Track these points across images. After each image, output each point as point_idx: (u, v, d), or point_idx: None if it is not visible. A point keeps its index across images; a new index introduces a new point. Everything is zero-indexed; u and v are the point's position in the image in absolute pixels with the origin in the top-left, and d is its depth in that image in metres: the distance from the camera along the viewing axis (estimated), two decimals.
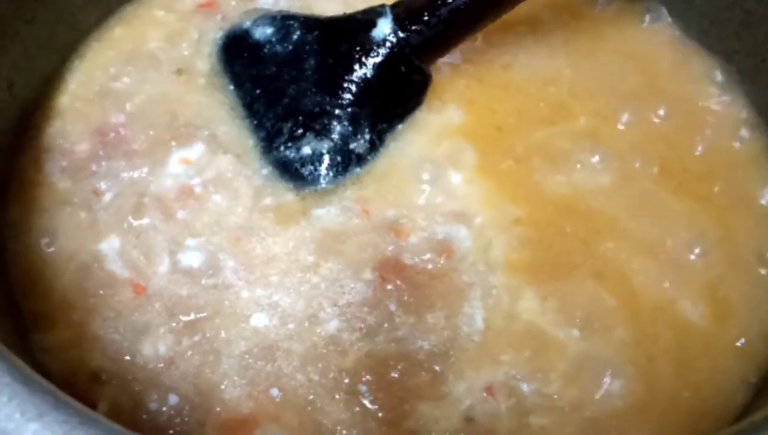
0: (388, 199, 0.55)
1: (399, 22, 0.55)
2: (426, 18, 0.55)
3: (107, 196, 0.55)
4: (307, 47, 0.58)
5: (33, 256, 0.53)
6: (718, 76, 0.62)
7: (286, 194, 0.55)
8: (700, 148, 0.59)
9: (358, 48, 0.56)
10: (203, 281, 0.51)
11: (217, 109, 0.59)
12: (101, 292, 0.51)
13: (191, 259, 0.52)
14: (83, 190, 0.55)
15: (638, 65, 0.63)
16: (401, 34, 0.55)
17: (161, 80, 0.60)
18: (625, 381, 0.49)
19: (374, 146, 0.57)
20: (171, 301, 0.51)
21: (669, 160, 0.58)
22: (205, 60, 0.61)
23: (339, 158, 0.56)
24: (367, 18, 0.57)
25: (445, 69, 0.61)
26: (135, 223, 0.54)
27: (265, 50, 0.59)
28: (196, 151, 0.57)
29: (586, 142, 0.58)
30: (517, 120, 0.59)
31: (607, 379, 0.49)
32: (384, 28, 0.55)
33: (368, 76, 0.56)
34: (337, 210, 0.54)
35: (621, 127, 0.59)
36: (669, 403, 0.49)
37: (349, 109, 0.56)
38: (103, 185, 0.55)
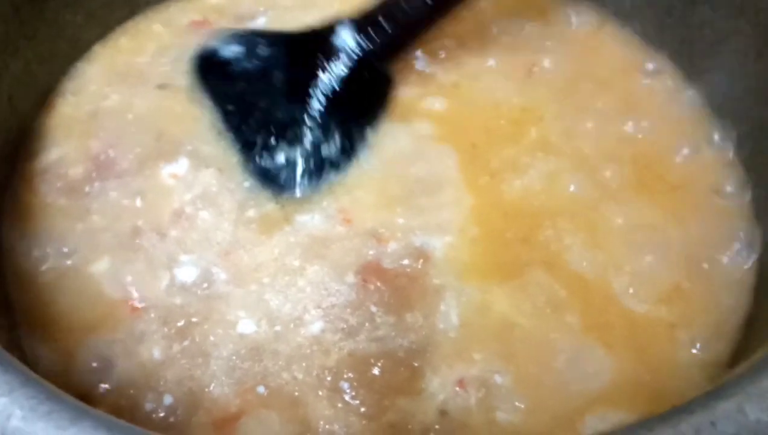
0: (368, 209, 0.58)
1: (359, 30, 0.59)
2: (383, 24, 0.59)
3: (102, 218, 0.57)
4: (275, 61, 0.62)
5: (29, 277, 0.55)
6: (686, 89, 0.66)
7: (267, 204, 0.58)
8: (641, 130, 0.63)
9: (322, 58, 0.60)
10: (198, 293, 0.53)
11: (198, 124, 0.62)
12: (98, 309, 0.53)
13: (186, 274, 0.54)
14: (78, 210, 0.57)
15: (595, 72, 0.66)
16: (362, 42, 0.59)
17: (146, 95, 0.63)
18: (588, 367, 0.51)
19: (347, 153, 0.60)
20: (165, 311, 0.53)
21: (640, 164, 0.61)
22: (184, 76, 0.64)
23: (312, 165, 0.59)
24: (329, 29, 0.61)
25: (414, 87, 0.64)
26: (130, 243, 0.56)
27: (235, 67, 0.63)
28: (182, 166, 0.59)
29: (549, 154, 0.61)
30: (486, 137, 0.62)
31: (572, 366, 0.51)
32: (345, 37, 0.60)
33: (334, 84, 0.60)
34: (320, 217, 0.57)
35: (584, 137, 0.63)
36: (633, 387, 0.51)
37: (318, 118, 0.60)
38: (96, 205, 0.57)
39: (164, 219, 0.57)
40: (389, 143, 0.61)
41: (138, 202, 0.57)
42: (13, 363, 0.37)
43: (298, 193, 0.58)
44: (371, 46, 0.59)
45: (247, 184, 0.59)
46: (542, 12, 0.71)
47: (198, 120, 0.62)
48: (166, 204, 0.57)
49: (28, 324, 0.53)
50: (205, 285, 0.54)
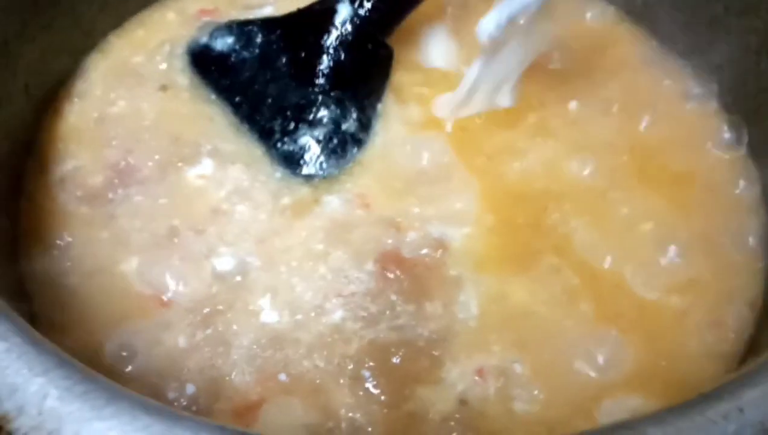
0: (385, 196, 0.58)
1: (356, 4, 0.59)
2: None
3: (129, 221, 0.56)
4: (274, 46, 0.62)
5: (51, 283, 0.54)
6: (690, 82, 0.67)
7: (301, 189, 0.58)
8: (647, 123, 0.63)
9: (325, 36, 0.60)
10: (230, 282, 0.54)
11: (211, 122, 0.61)
12: (126, 305, 0.53)
13: (224, 264, 0.54)
14: (102, 216, 0.57)
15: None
16: (362, 14, 0.59)
17: (150, 98, 0.62)
18: (604, 355, 0.52)
19: (363, 126, 0.60)
20: (194, 303, 0.53)
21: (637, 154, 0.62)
22: (184, 75, 0.64)
23: (336, 141, 0.59)
24: (326, 7, 0.61)
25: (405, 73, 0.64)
26: (166, 242, 0.55)
27: (233, 59, 0.63)
28: (207, 166, 0.59)
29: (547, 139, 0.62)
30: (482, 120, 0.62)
31: (588, 354, 0.52)
32: (344, 12, 0.60)
33: (341, 59, 0.60)
34: (340, 201, 0.58)
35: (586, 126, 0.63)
36: (649, 374, 0.52)
37: (332, 94, 0.60)
38: (120, 211, 0.56)
39: (201, 217, 0.56)
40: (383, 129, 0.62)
41: (169, 204, 0.57)
42: (47, 344, 0.37)
43: (325, 172, 0.58)
44: (372, 19, 0.60)
45: (278, 174, 0.59)
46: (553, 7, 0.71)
47: (210, 118, 0.62)
48: (202, 203, 0.57)
49: (50, 328, 0.52)
50: (239, 275, 0.54)
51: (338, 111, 0.60)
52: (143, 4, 0.68)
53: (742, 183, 0.61)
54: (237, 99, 0.61)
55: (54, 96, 0.62)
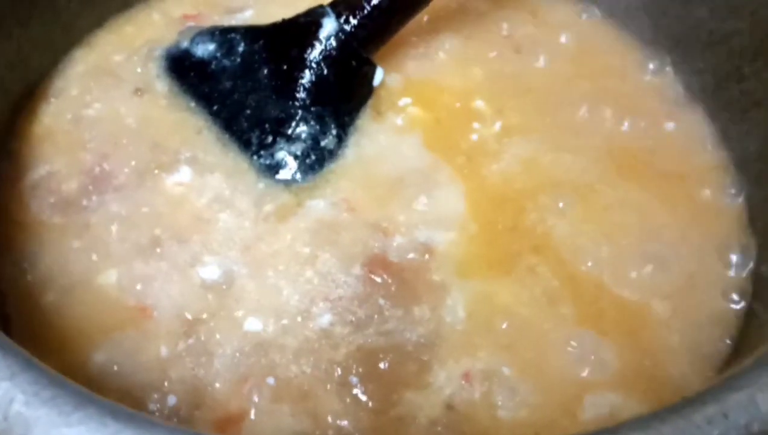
0: (369, 200, 0.58)
1: (342, 20, 0.58)
2: (367, 11, 0.58)
3: (105, 231, 0.55)
4: (256, 56, 0.61)
5: (29, 298, 0.52)
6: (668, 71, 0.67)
7: (282, 194, 0.58)
8: (629, 125, 0.64)
9: (309, 50, 0.59)
10: (216, 290, 0.53)
11: (190, 129, 0.61)
12: (108, 318, 0.52)
13: (209, 273, 0.53)
14: (76, 226, 0.55)
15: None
16: (347, 30, 0.58)
17: (127, 102, 0.61)
18: (588, 356, 0.52)
19: (341, 140, 0.60)
20: (179, 311, 0.52)
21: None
22: (162, 80, 0.63)
23: (314, 157, 0.59)
24: (311, 20, 0.60)
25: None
26: (148, 251, 0.54)
27: (213, 66, 0.61)
28: (185, 174, 0.58)
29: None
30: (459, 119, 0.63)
31: (572, 356, 0.52)
32: (329, 27, 0.59)
33: (324, 74, 0.59)
34: (326, 204, 0.57)
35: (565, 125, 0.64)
36: (634, 373, 0.52)
37: (313, 109, 0.59)
38: (95, 219, 0.55)
39: (184, 226, 0.56)
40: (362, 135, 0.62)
41: (150, 213, 0.56)
42: (13, 347, 0.36)
43: (302, 180, 0.58)
44: (357, 36, 0.59)
45: (261, 184, 0.58)
46: (534, 11, 0.72)
47: (188, 125, 0.61)
48: (183, 211, 0.56)
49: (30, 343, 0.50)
50: (225, 283, 0.53)
51: (318, 127, 0.59)
52: (125, 4, 0.67)
53: (725, 186, 0.61)
54: (215, 107, 0.60)
55: (31, 94, 0.60)
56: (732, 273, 0.57)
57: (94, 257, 0.54)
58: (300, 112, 0.59)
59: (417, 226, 0.57)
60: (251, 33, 0.62)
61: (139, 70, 0.63)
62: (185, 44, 0.63)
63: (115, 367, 0.49)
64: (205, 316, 0.52)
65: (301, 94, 0.59)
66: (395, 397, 0.50)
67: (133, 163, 0.58)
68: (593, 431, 0.37)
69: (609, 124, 0.64)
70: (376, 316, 0.52)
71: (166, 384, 0.49)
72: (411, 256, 0.55)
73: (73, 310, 0.52)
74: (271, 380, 0.50)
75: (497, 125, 0.63)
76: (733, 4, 0.61)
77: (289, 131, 0.59)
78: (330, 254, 0.55)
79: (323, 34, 0.59)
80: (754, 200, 0.60)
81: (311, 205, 0.57)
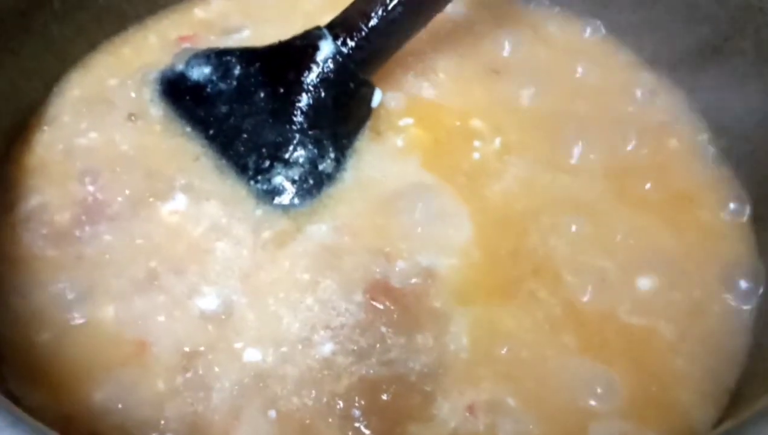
0: (371, 224, 0.57)
1: (340, 42, 0.57)
2: (364, 33, 0.57)
3: (99, 263, 0.54)
4: (253, 79, 0.60)
5: (23, 336, 0.51)
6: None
7: (280, 220, 0.57)
8: (634, 145, 0.63)
9: (306, 73, 0.58)
10: (216, 320, 0.52)
11: (185, 156, 0.59)
12: (106, 355, 0.50)
13: (208, 304, 0.52)
14: (69, 258, 0.54)
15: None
16: (345, 53, 0.57)
17: (121, 129, 0.60)
18: (593, 383, 0.51)
19: (339, 163, 0.59)
20: (176, 344, 0.51)
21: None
22: (157, 105, 0.62)
23: (312, 181, 0.58)
24: (308, 42, 0.58)
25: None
26: (146, 284, 0.53)
27: (209, 90, 0.60)
28: (180, 202, 0.57)
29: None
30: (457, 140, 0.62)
31: (576, 385, 0.51)
32: (327, 50, 0.58)
33: (322, 97, 0.58)
34: (327, 228, 0.56)
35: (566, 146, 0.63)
36: (642, 399, 0.51)
37: (310, 133, 0.58)
38: (89, 251, 0.54)
39: (180, 256, 0.54)
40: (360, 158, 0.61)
41: (145, 244, 0.55)
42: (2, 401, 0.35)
43: (300, 205, 0.57)
44: (355, 59, 0.58)
45: (258, 211, 0.57)
46: (536, 27, 0.71)
47: (184, 152, 0.60)
48: (179, 241, 0.55)
49: (26, 382, 0.50)
50: (224, 313, 0.52)
51: (315, 150, 0.58)
52: (119, 27, 0.66)
53: (731, 206, 0.60)
54: (211, 132, 0.59)
55: (25, 123, 0.60)
56: (740, 293, 0.56)
57: (89, 292, 0.53)
58: (297, 135, 0.58)
59: (419, 250, 0.56)
60: (247, 55, 0.61)
61: (133, 94, 0.62)
62: (180, 67, 0.62)
63: (117, 404, 0.48)
64: (203, 348, 0.51)
65: (299, 118, 0.58)
66: (398, 430, 0.49)
67: (127, 191, 0.57)
68: None
69: (610, 143, 0.63)
70: (378, 345, 0.51)
71: (162, 423, 0.48)
72: (414, 280, 0.54)
73: (70, 349, 0.50)
74: (272, 413, 0.49)
75: (497, 142, 0.62)
76: (737, 22, 0.60)
77: (287, 155, 0.58)
78: (331, 280, 0.54)
79: (320, 56, 0.58)
80: (761, 222, 0.59)
81: (310, 230, 0.56)
